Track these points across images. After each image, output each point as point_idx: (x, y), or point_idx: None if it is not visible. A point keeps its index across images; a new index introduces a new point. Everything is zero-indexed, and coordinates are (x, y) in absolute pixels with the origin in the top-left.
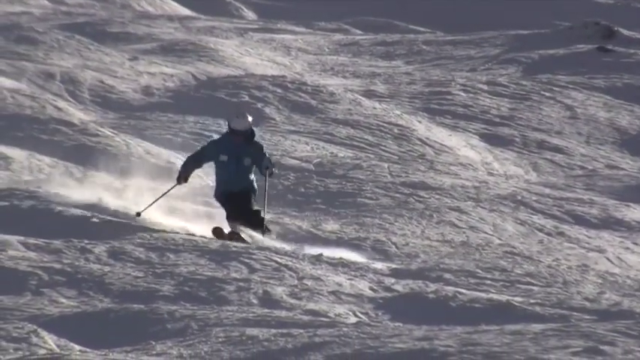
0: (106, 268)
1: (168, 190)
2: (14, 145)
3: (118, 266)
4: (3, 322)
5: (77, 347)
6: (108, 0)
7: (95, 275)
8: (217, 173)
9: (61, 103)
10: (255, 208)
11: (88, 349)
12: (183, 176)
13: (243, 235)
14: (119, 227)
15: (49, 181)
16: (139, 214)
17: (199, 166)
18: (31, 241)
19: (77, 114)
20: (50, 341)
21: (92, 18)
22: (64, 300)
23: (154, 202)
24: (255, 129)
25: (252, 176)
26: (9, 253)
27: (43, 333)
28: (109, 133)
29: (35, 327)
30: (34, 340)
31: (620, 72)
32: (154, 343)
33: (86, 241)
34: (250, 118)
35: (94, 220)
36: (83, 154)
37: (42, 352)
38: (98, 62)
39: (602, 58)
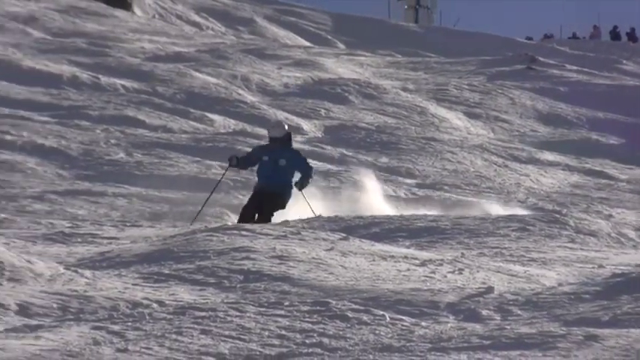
0: None
1: (223, 175)
2: (215, 113)
3: None
4: (210, 208)
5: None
6: (265, 36)
7: None
8: (258, 170)
9: (240, 91)
10: (273, 212)
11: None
12: (234, 163)
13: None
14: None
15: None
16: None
17: (251, 163)
18: (225, 163)
19: (249, 97)
20: (233, 218)
21: (257, 46)
22: (240, 196)
23: (211, 193)
24: (292, 136)
25: (290, 177)
26: (212, 170)
27: (229, 215)
28: (266, 107)
29: (226, 211)
30: (225, 218)
31: (538, 80)
32: None
33: None
34: (286, 127)
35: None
36: (253, 118)
37: (229, 224)
38: (260, 70)
39: (529, 72)
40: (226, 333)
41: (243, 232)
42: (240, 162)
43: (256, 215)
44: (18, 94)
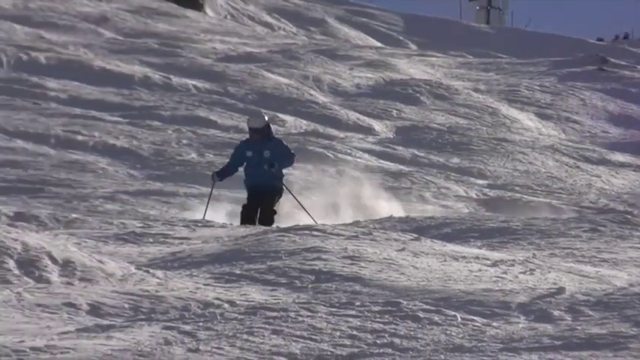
0: None
1: (211, 192)
2: (286, 113)
3: None
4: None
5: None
6: (336, 37)
7: None
8: (245, 167)
9: (311, 91)
10: (273, 208)
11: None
12: (217, 179)
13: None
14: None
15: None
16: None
17: (234, 167)
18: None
19: (320, 98)
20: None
21: (329, 46)
22: None
23: (207, 207)
24: (271, 125)
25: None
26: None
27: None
28: (338, 108)
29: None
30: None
31: (609, 81)
32: None
33: None
34: (266, 117)
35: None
36: (324, 119)
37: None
38: (332, 70)
39: (600, 73)
40: (297, 333)
41: (315, 233)
42: (220, 173)
43: (258, 212)
44: (89, 95)
